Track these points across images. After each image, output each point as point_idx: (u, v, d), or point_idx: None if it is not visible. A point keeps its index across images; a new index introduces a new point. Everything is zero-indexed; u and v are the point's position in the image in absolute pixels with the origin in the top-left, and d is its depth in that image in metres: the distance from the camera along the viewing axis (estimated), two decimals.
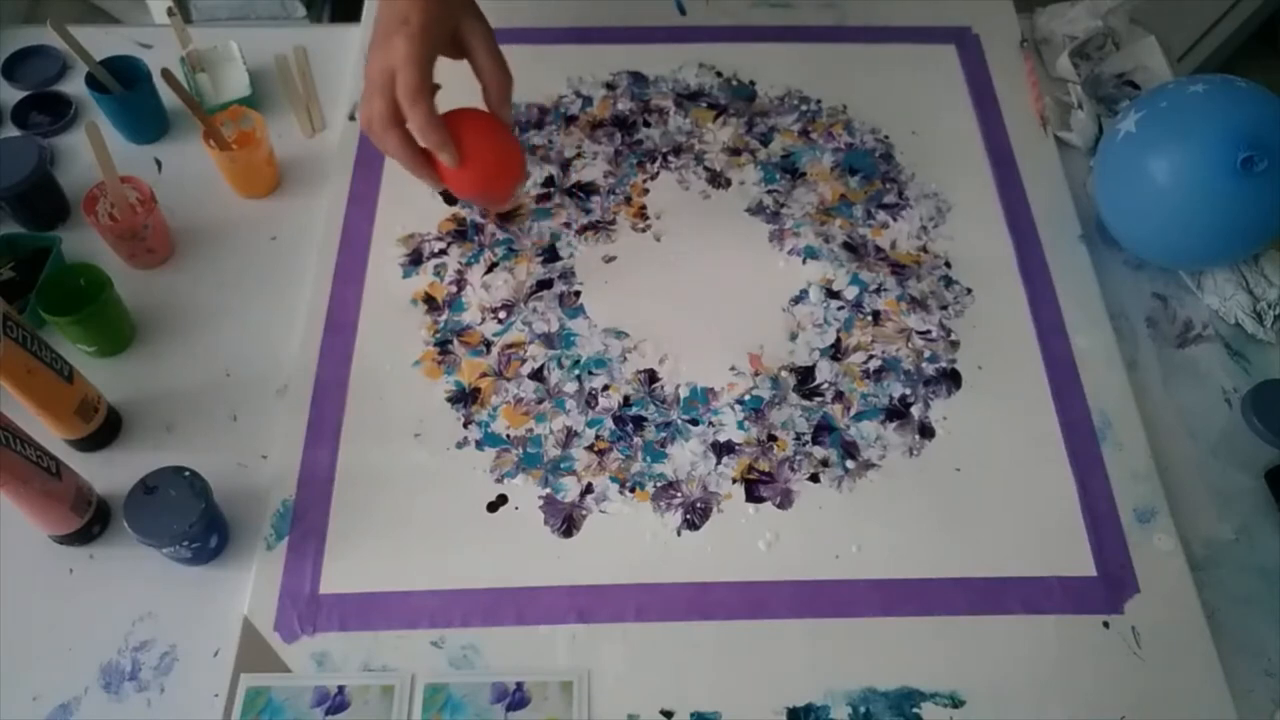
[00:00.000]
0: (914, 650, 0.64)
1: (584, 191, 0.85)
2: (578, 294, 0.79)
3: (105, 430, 0.70)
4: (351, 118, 0.88)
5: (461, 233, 0.82)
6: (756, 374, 0.75)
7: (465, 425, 0.72)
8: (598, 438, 0.72)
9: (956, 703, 0.62)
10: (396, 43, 0.65)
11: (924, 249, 0.82)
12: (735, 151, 0.88)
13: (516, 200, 0.82)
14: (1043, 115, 0.91)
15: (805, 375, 0.75)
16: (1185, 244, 0.76)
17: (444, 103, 0.68)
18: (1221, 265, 0.80)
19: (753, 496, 0.70)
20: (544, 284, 0.79)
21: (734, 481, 0.70)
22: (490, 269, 0.80)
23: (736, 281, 0.80)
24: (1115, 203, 0.79)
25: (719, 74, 0.93)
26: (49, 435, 0.68)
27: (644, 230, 0.83)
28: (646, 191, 0.85)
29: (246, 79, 0.90)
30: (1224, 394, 0.76)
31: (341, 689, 0.61)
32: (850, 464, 0.71)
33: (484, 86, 0.71)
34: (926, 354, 0.76)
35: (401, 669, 0.62)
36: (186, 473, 0.64)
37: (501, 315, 0.77)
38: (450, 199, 0.79)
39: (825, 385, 0.74)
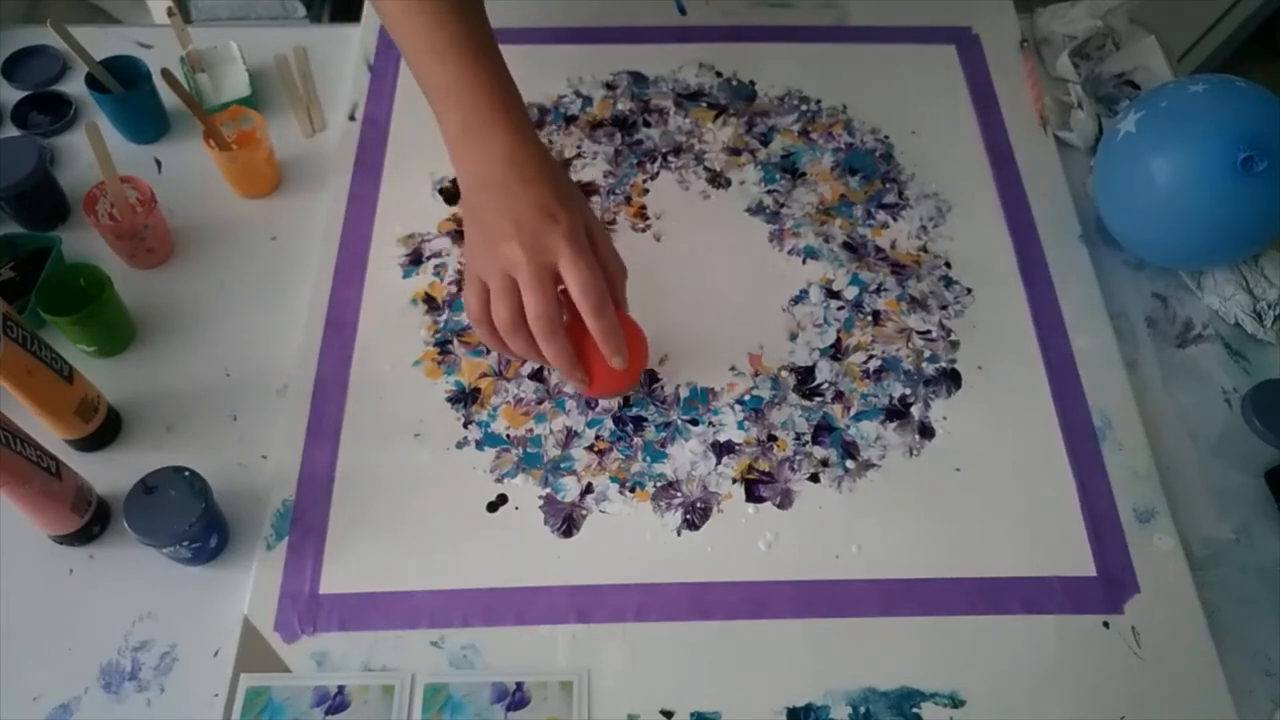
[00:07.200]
0: (914, 650, 0.64)
1: (584, 191, 0.85)
2: None
3: (105, 430, 0.70)
4: (352, 118, 0.88)
5: (461, 233, 0.82)
6: (756, 374, 0.75)
7: (465, 425, 0.72)
8: (598, 438, 0.72)
9: (956, 703, 0.62)
10: (555, 243, 0.62)
11: (924, 249, 0.82)
12: (735, 151, 0.88)
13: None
14: (1043, 115, 0.91)
15: (805, 375, 0.75)
16: (1185, 244, 0.76)
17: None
18: (1221, 265, 0.80)
19: (753, 496, 0.70)
20: None
21: (734, 481, 0.70)
22: None
23: (736, 281, 0.80)
24: (1115, 203, 0.79)
25: (719, 74, 0.93)
26: (49, 435, 0.68)
27: (644, 230, 0.83)
28: (646, 191, 0.85)
29: (246, 79, 0.90)
30: (1224, 394, 0.76)
31: (341, 689, 0.61)
32: (850, 464, 0.71)
33: (609, 280, 0.67)
34: (926, 354, 0.76)
35: (401, 669, 0.62)
36: (186, 473, 0.64)
37: None
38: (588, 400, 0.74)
39: (825, 385, 0.74)
